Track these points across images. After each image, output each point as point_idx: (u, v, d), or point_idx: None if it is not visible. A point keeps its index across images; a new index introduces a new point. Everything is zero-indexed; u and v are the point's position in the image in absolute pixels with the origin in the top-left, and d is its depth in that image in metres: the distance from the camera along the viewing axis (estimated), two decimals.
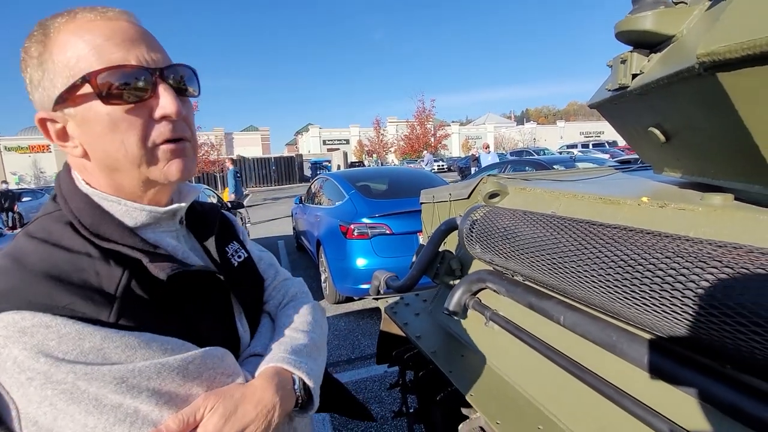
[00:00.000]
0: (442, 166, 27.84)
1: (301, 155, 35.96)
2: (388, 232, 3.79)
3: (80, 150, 0.54)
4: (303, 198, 6.05)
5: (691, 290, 0.57)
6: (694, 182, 1.01)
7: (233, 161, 11.09)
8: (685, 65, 0.69)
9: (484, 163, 11.23)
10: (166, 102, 0.53)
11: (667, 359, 0.66)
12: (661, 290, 0.62)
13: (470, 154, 21.08)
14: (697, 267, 0.58)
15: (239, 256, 0.74)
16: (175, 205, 0.61)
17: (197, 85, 0.61)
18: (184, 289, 0.57)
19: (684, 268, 0.60)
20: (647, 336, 0.71)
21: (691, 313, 0.58)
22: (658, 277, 0.62)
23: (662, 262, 0.63)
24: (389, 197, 4.31)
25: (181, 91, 0.57)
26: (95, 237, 0.52)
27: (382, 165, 29.01)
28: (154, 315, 0.52)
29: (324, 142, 47.37)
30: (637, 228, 0.76)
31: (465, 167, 18.43)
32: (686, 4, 0.82)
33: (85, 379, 0.43)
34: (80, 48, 0.50)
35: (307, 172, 32.41)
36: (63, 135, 0.54)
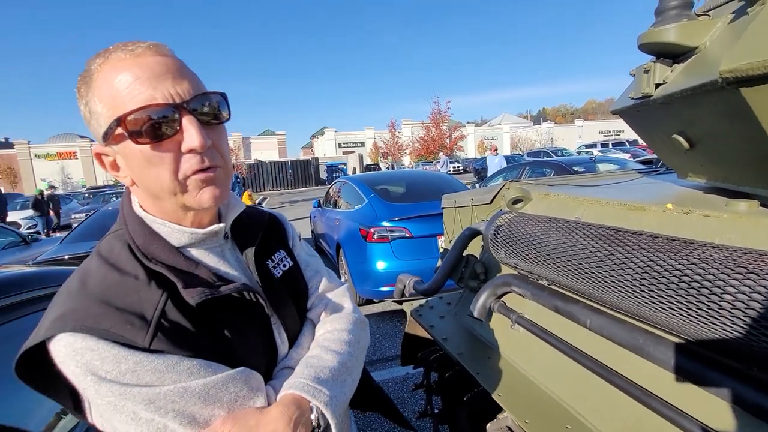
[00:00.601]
0: (458, 167, 27.71)
1: (317, 158, 36.33)
2: (407, 235, 3.83)
3: (129, 179, 0.60)
4: (321, 201, 6.14)
5: (717, 295, 0.60)
6: (719, 188, 1.02)
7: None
8: (708, 78, 0.72)
9: (490, 167, 10.77)
10: (190, 136, 0.55)
11: (694, 361, 0.69)
12: (687, 296, 0.65)
13: (486, 155, 20.82)
14: (722, 273, 0.61)
15: (284, 266, 0.77)
16: (214, 226, 0.65)
17: (227, 109, 0.62)
18: (221, 307, 0.61)
19: (710, 274, 0.62)
20: (674, 339, 0.74)
21: (716, 317, 0.61)
22: (684, 282, 0.65)
23: (688, 269, 0.66)
24: (408, 201, 4.35)
25: (213, 117, 0.60)
26: (145, 257, 0.59)
27: (392, 167, 28.86)
28: (187, 337, 0.57)
29: (339, 145, 47.74)
30: (663, 235, 0.79)
31: (481, 168, 18.28)
32: (709, 16, 0.85)
33: (121, 397, 0.51)
34: (113, 89, 0.54)
35: (323, 175, 32.72)
36: (115, 166, 0.60)
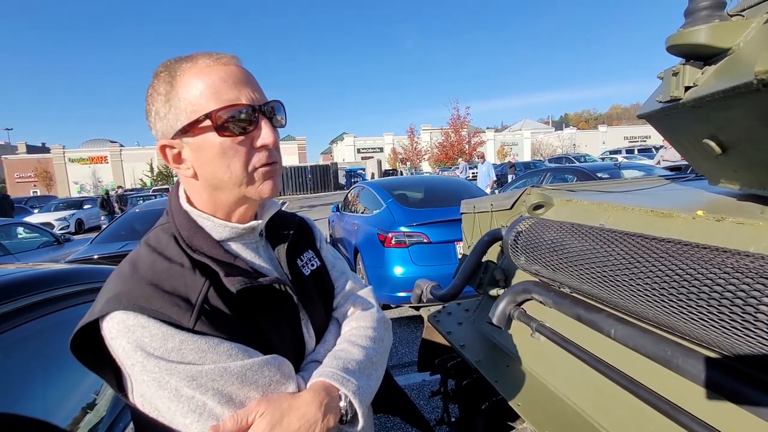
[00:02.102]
0: (476, 173, 27.42)
1: (336, 163, 36.70)
2: (425, 240, 3.81)
3: (191, 171, 0.65)
4: (340, 206, 6.18)
5: (752, 306, 0.57)
6: (754, 195, 0.98)
7: None
8: (742, 80, 0.69)
9: (480, 177, 10.00)
10: (265, 134, 0.63)
11: (727, 375, 0.66)
12: (719, 306, 0.62)
13: (506, 161, 20.43)
14: (758, 283, 0.58)
15: (312, 265, 0.80)
16: (252, 222, 0.70)
17: (284, 115, 0.70)
18: (256, 298, 0.65)
19: (744, 284, 0.60)
20: (705, 351, 0.71)
21: (752, 329, 0.58)
22: (716, 292, 0.62)
23: (720, 278, 0.63)
24: (426, 206, 4.34)
25: (273, 122, 0.67)
26: (189, 248, 0.63)
27: (402, 173, 28.65)
28: (226, 322, 0.60)
29: (358, 151, 48.08)
30: (693, 242, 0.76)
31: (501, 175, 18.07)
32: (743, 16, 0.82)
33: (167, 373, 0.54)
34: (201, 88, 0.61)
35: (342, 180, 33.00)
36: (178, 158, 0.65)
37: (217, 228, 0.67)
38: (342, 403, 0.62)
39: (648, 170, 6.99)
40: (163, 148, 0.65)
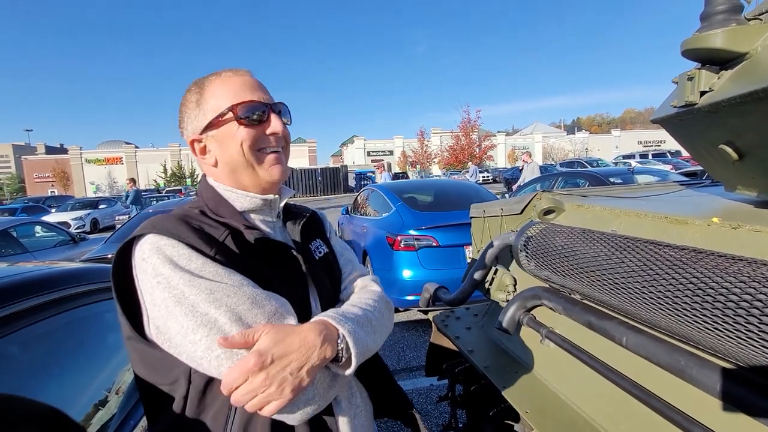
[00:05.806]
0: (487, 177, 27.30)
1: (346, 166, 36.86)
2: (434, 244, 3.80)
3: (213, 160, 0.77)
4: (349, 209, 6.20)
5: None
6: None
7: (133, 181, 11.64)
8: (760, 85, 0.68)
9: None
10: (275, 124, 0.77)
11: (743, 387, 0.64)
12: (735, 315, 0.60)
13: (524, 163, 20.06)
14: None
15: (320, 252, 0.89)
16: (269, 195, 0.80)
17: (289, 115, 0.83)
18: (269, 257, 0.74)
19: (761, 293, 0.58)
20: (720, 362, 0.69)
21: None
22: (731, 302, 0.61)
23: (736, 287, 0.62)
24: (436, 210, 4.32)
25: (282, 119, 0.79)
26: (214, 214, 0.75)
27: (421, 177, 28.62)
28: (240, 264, 0.68)
29: (368, 153, 48.23)
30: (708, 250, 0.74)
31: (511, 179, 17.96)
32: (761, 20, 0.80)
33: (188, 285, 0.61)
34: (224, 91, 0.76)
35: (352, 183, 33.10)
36: (203, 150, 0.78)
37: (239, 198, 0.78)
38: (339, 341, 0.65)
39: (662, 175, 6.87)
40: (192, 143, 0.78)
